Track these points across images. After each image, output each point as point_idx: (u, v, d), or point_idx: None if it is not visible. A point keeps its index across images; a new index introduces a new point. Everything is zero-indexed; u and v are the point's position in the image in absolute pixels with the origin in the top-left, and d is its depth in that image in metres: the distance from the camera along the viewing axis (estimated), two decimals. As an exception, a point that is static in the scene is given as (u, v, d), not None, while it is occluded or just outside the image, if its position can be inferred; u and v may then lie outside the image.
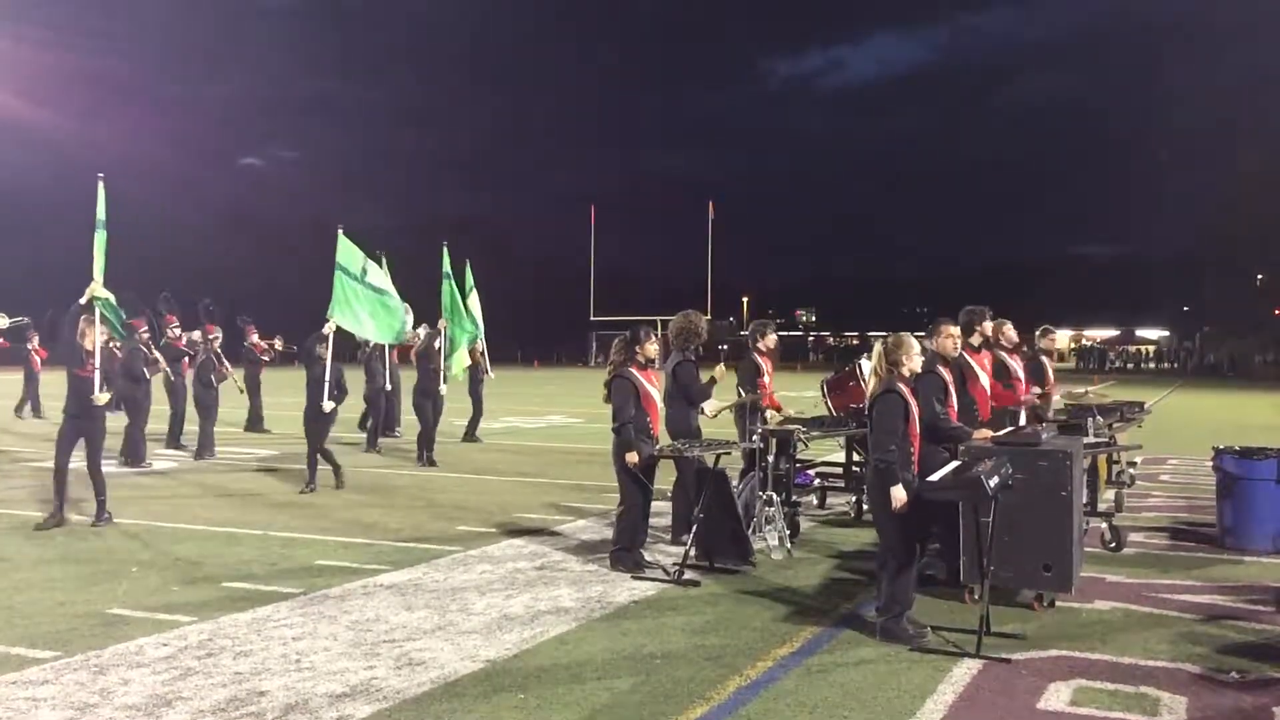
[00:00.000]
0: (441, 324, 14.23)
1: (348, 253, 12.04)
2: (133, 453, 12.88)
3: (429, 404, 13.67)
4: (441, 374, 13.89)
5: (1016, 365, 9.21)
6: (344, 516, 9.52)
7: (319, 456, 11.12)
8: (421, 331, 16.94)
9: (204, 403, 14.34)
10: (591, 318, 56.49)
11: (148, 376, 12.81)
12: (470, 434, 16.56)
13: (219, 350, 14.65)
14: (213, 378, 14.52)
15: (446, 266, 14.77)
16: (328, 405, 11.08)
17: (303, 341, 11.91)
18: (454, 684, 4.94)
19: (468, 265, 15.85)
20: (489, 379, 16.83)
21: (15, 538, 8.42)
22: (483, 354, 16.48)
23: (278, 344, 17.58)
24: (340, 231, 12.01)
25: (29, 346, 19.65)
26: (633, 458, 7.28)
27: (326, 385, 11.08)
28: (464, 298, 15.16)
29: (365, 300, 12.09)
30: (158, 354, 13.05)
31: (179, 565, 7.45)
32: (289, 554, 7.89)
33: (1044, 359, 10.88)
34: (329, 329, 11.33)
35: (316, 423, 11.12)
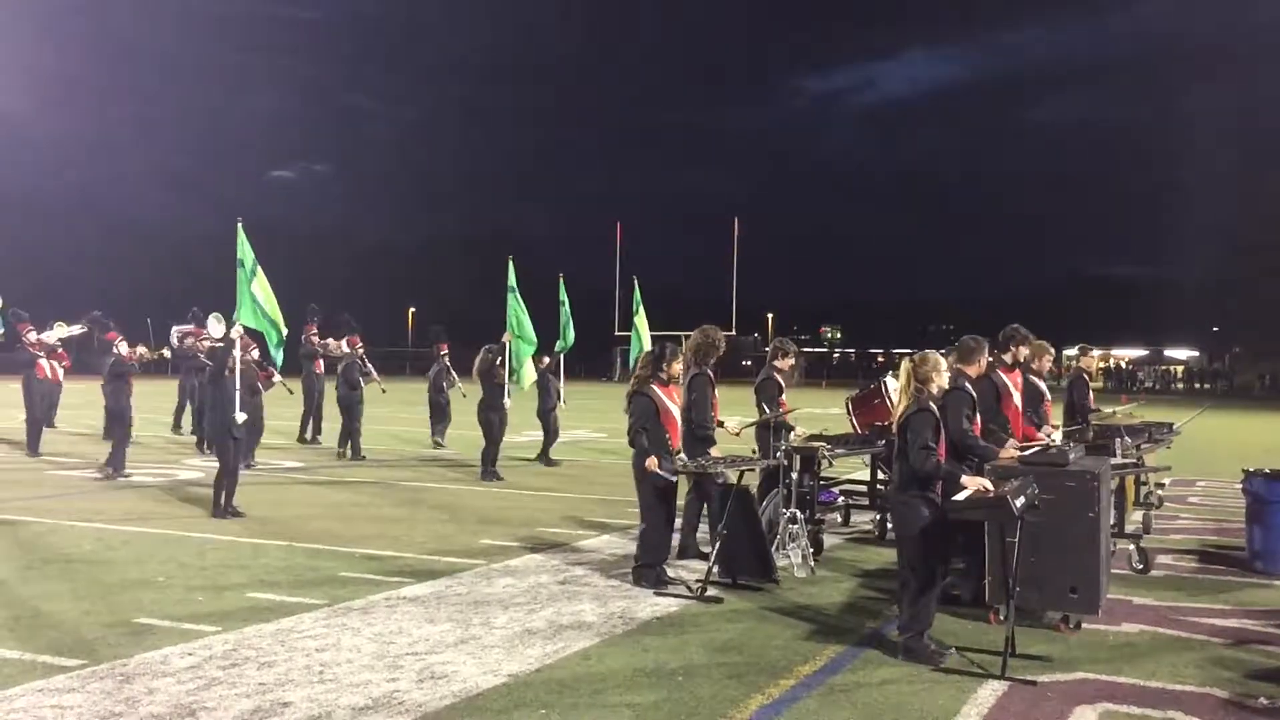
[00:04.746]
0: (505, 338, 14.13)
1: (246, 249, 10.95)
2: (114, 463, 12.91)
3: (495, 419, 13.60)
4: (506, 389, 13.82)
5: (1044, 387, 9.16)
6: (369, 529, 9.56)
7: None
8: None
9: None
10: (615, 333, 56.56)
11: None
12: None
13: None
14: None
15: (512, 280, 14.59)
16: (240, 417, 10.30)
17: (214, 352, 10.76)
18: (476, 698, 4.95)
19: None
20: None
21: (43, 546, 8.52)
22: None
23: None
24: (240, 224, 10.98)
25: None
26: (652, 463, 7.28)
27: (238, 396, 10.28)
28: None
29: (267, 301, 11.07)
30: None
31: (205, 575, 7.51)
32: (314, 565, 7.93)
33: (1086, 378, 10.86)
34: (236, 333, 10.60)
35: (235, 439, 10.32)
